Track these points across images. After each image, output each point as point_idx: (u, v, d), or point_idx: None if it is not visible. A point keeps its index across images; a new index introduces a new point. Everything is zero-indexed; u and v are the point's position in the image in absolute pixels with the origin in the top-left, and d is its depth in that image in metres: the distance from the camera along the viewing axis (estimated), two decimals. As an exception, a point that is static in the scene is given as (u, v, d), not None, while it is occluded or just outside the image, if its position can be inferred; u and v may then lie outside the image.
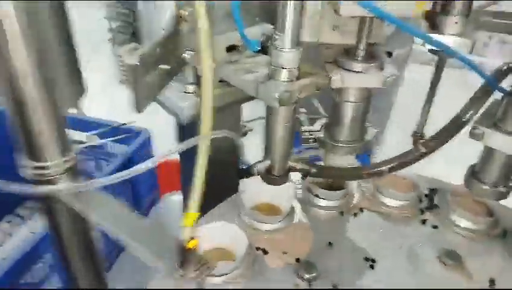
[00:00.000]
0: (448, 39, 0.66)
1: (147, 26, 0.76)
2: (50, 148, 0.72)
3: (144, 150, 1.59)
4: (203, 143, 0.58)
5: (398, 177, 0.96)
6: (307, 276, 0.76)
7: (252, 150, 1.08)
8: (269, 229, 0.86)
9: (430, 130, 0.75)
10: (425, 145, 0.67)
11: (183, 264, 0.60)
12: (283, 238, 0.85)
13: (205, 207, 0.92)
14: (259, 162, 0.76)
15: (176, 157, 1.04)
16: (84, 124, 1.67)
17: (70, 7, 0.54)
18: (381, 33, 0.76)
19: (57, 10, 0.53)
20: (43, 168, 0.74)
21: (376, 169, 0.71)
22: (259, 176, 0.78)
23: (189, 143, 0.61)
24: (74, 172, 0.80)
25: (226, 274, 0.73)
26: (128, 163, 1.52)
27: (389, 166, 0.70)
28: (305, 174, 0.77)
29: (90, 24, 3.36)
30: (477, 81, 0.72)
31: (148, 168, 0.61)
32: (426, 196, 0.91)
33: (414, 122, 0.81)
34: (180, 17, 0.62)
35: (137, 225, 0.68)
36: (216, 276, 0.73)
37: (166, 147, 0.96)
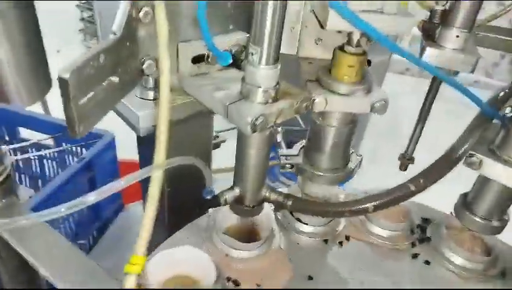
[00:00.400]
0: (448, 54, 0.58)
1: (102, 22, 0.65)
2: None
3: (106, 155, 1.46)
4: (155, 175, 0.48)
5: None
6: None
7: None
8: (243, 256, 0.74)
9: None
10: (414, 183, 0.59)
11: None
12: (258, 268, 0.74)
13: (171, 229, 0.82)
14: (228, 190, 0.67)
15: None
16: (44, 124, 1.53)
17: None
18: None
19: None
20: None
21: (360, 207, 0.62)
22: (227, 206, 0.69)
23: (142, 174, 0.51)
24: (6, 188, 0.68)
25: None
26: (87, 169, 1.40)
27: (374, 203, 0.61)
28: (279, 206, 0.67)
29: (60, 13, 3.19)
30: (454, 94, 0.65)
31: (100, 197, 0.50)
32: (418, 226, 0.83)
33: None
34: (135, 17, 0.51)
35: (75, 265, 0.58)
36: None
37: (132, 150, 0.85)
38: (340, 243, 0.79)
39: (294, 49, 0.72)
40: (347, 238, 0.80)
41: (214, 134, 1.18)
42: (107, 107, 0.52)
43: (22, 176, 1.67)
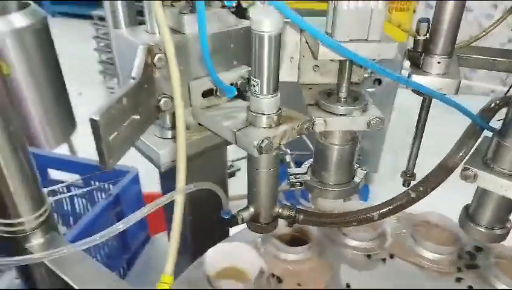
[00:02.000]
0: (433, 79, 0.64)
1: (120, 63, 0.74)
2: (21, 205, 0.69)
3: (132, 189, 1.54)
4: (178, 200, 0.54)
5: (439, 228, 0.89)
6: None
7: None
8: (289, 259, 0.83)
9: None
10: (414, 191, 0.63)
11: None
12: (300, 271, 0.81)
13: (194, 254, 0.88)
14: (243, 209, 0.72)
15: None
16: (72, 165, 1.63)
17: (60, 40, 0.52)
18: (362, 72, 0.74)
19: (44, 43, 0.51)
20: (13, 225, 0.70)
21: (366, 215, 0.67)
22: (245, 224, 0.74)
23: (167, 198, 0.58)
24: (48, 225, 0.76)
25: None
26: (115, 204, 1.48)
27: (378, 212, 0.66)
28: (292, 221, 0.73)
29: (80, 57, 3.39)
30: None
31: (127, 225, 0.57)
32: (468, 253, 0.84)
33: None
34: (150, 63, 0.59)
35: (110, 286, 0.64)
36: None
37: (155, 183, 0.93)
38: (384, 259, 0.83)
39: (295, 77, 0.79)
40: (391, 256, 0.83)
41: (229, 164, 1.25)
42: (132, 141, 0.60)
43: (54, 214, 1.77)
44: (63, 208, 1.75)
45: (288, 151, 1.03)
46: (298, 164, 0.84)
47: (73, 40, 3.86)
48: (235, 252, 0.79)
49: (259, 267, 0.77)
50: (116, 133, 0.52)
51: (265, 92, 0.59)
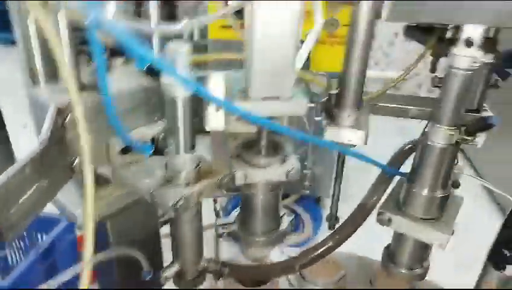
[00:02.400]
0: (343, 132, 0.67)
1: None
2: None
3: (66, 237, 1.46)
4: (84, 274, 0.52)
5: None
6: None
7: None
8: None
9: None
10: (332, 239, 0.65)
11: None
12: None
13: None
14: (168, 267, 0.71)
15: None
16: None
17: None
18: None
19: None
20: None
21: (288, 265, 0.67)
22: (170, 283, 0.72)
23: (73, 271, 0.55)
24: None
25: None
26: (48, 254, 1.39)
27: (300, 263, 0.67)
28: (218, 275, 0.72)
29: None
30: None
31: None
32: None
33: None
34: (60, 125, 0.57)
35: None
36: None
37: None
38: None
39: (222, 125, 0.80)
40: None
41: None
42: (40, 206, 0.57)
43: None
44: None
45: (218, 199, 1.03)
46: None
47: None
48: None
49: None
50: (17, 205, 0.50)
51: (181, 151, 0.60)
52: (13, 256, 1.61)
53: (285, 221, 0.79)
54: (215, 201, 1.01)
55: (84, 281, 0.52)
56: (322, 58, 1.66)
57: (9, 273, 1.27)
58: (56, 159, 0.59)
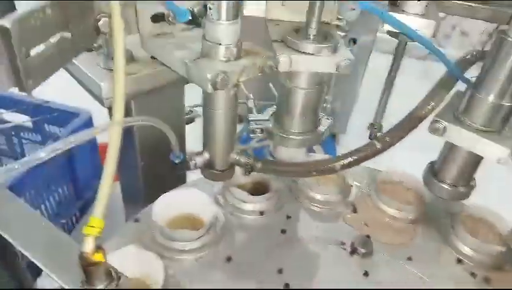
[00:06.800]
0: (410, 19, 0.57)
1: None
2: None
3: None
4: (113, 132, 0.47)
5: (403, 185, 0.89)
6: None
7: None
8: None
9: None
10: (380, 141, 0.59)
11: (88, 280, 0.49)
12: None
13: (148, 202, 0.81)
14: (197, 154, 0.66)
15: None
16: (22, 104, 1.50)
17: None
18: (335, 10, 0.67)
19: None
20: None
21: (327, 165, 0.62)
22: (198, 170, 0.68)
23: (102, 127, 0.50)
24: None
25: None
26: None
27: (341, 163, 0.61)
28: (250, 169, 0.67)
29: None
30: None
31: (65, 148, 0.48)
32: None
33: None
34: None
35: (45, 236, 0.57)
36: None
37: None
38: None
39: (262, 12, 0.71)
40: (354, 210, 0.83)
41: (189, 109, 1.17)
42: (59, 64, 0.50)
43: (3, 158, 1.65)
44: (14, 151, 1.63)
45: (251, 95, 0.96)
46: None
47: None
48: (187, 199, 0.74)
49: (212, 214, 0.72)
50: (37, 50, 0.43)
51: (223, 17, 0.51)
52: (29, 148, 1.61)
53: (324, 123, 0.73)
54: (248, 97, 0.95)
55: (113, 148, 0.47)
56: None
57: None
58: (78, 13, 0.51)
